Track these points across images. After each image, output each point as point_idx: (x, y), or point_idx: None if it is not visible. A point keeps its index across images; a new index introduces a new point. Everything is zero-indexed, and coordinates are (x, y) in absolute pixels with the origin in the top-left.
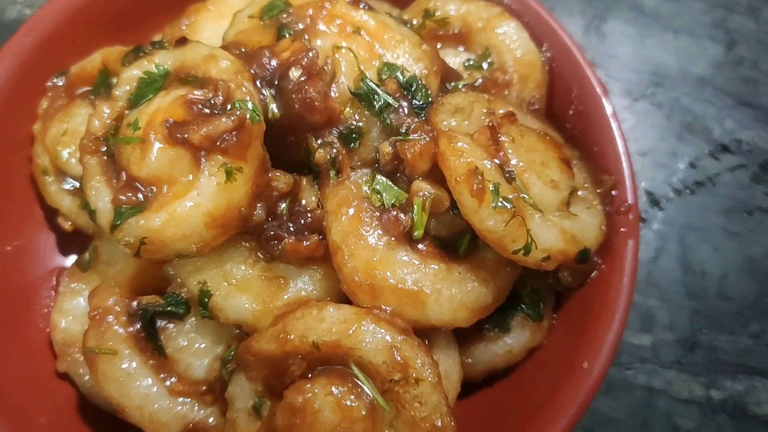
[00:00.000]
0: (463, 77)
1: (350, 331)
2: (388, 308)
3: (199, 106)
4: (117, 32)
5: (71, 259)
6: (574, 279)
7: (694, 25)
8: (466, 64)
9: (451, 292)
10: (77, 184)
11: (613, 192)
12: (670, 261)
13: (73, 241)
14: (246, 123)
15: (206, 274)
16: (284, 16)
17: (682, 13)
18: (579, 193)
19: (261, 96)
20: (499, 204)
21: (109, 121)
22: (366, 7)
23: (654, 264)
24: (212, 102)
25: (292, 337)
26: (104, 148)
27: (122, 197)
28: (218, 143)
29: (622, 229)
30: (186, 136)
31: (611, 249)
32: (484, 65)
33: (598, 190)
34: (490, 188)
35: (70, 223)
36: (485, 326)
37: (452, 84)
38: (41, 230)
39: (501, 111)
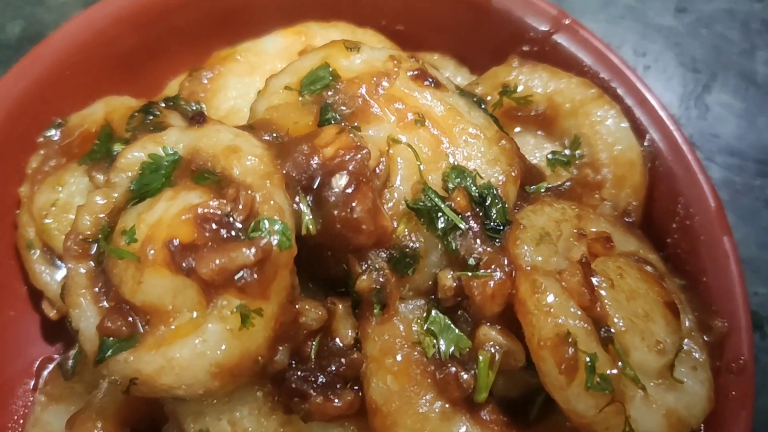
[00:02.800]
0: (546, 176)
1: None
2: None
3: (214, 225)
4: (128, 72)
5: (57, 347)
6: None
7: None
8: (550, 157)
9: None
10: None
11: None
12: None
13: (60, 326)
14: (272, 253)
15: (210, 422)
16: (330, 93)
17: None
18: (684, 342)
19: (294, 206)
20: (595, 384)
21: (102, 215)
22: (433, 84)
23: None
24: (230, 219)
25: None
26: (94, 250)
27: (109, 324)
28: (235, 278)
29: (732, 393)
30: (193, 265)
31: (718, 419)
32: (567, 152)
33: (705, 338)
34: (586, 360)
35: (55, 311)
36: None
37: (533, 187)
38: (23, 311)
39: (593, 229)
